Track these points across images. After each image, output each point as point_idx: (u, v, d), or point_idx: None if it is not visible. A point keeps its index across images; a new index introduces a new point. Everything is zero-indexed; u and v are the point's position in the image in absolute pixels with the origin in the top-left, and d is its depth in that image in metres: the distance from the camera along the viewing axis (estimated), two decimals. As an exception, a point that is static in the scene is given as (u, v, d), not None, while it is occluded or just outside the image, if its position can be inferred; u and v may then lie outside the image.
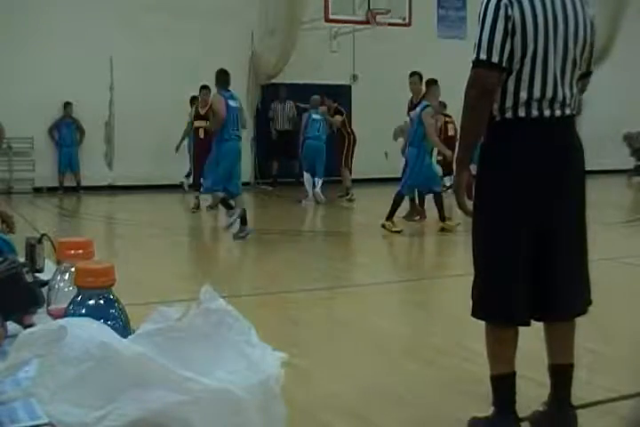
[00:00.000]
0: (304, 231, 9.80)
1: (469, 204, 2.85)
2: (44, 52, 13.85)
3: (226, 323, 0.75)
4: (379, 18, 14.83)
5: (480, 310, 2.82)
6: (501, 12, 2.64)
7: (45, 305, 1.25)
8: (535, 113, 2.71)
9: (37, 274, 1.56)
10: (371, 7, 14.75)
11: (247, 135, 16.21)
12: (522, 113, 2.71)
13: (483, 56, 2.66)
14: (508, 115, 2.73)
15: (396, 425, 3.09)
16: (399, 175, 10.05)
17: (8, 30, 13.67)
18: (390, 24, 14.99)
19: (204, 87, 11.24)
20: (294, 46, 15.48)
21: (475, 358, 3.65)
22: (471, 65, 2.72)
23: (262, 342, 0.77)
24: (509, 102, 2.71)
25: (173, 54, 14.53)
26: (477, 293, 2.84)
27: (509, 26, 2.64)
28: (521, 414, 2.84)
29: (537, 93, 2.69)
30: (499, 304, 2.77)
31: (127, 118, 14.35)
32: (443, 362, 3.92)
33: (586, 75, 2.90)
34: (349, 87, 16.99)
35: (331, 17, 14.59)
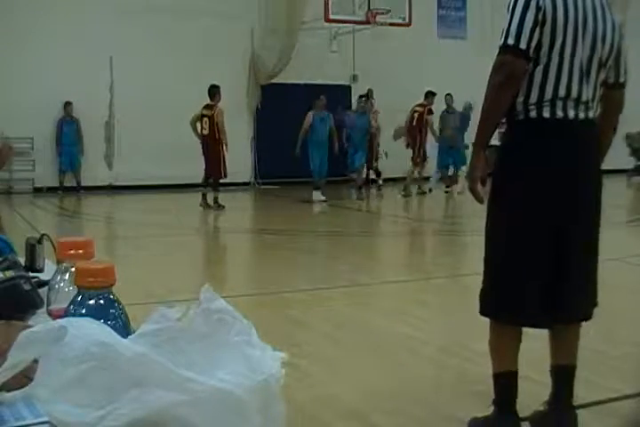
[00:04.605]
0: (304, 231, 9.80)
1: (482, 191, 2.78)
2: (44, 52, 13.86)
3: (226, 323, 0.75)
4: (379, 18, 14.85)
5: (491, 307, 2.79)
6: (532, 3, 2.61)
7: (45, 305, 1.25)
8: (560, 114, 2.66)
9: (37, 274, 1.56)
10: (371, 7, 14.77)
11: (247, 135, 16.25)
12: (546, 113, 2.66)
13: (510, 41, 2.60)
14: (532, 114, 2.68)
15: (395, 425, 3.09)
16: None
17: (8, 30, 13.68)
18: (390, 24, 15.02)
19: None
20: (294, 46, 15.49)
21: (476, 359, 3.65)
22: (497, 51, 2.65)
23: (262, 342, 0.76)
24: (534, 98, 2.66)
25: (173, 54, 14.53)
26: (489, 291, 2.80)
27: (539, 16, 2.60)
28: (521, 414, 2.84)
29: (562, 91, 2.65)
30: (512, 303, 2.73)
31: (127, 118, 14.36)
32: (444, 362, 3.91)
33: (616, 85, 2.83)
34: (349, 87, 16.99)
35: (331, 17, 14.62)
